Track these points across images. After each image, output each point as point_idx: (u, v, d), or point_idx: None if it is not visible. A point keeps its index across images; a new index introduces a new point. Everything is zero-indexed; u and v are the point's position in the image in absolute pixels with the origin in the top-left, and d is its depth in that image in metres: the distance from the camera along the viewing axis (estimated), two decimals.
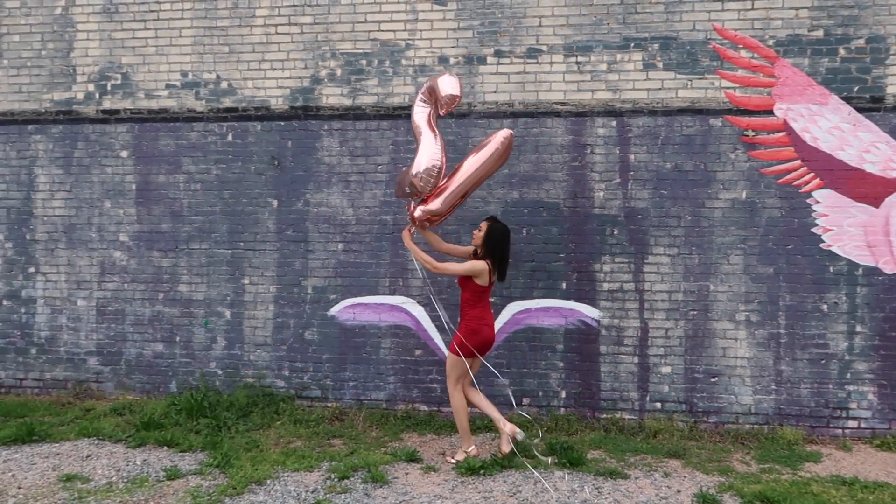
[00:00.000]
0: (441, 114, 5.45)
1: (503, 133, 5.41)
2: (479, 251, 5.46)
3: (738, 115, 6.22)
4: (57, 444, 5.71)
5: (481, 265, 5.34)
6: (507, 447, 5.38)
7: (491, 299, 6.21)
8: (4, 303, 7.21)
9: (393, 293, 6.61)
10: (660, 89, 6.31)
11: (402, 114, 6.58)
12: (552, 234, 6.45)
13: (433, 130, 5.36)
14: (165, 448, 5.65)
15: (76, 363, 7.10)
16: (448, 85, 5.32)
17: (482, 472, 5.21)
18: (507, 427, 5.38)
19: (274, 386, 6.77)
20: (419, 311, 6.56)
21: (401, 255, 6.57)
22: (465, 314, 5.39)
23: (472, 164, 5.36)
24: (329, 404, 6.64)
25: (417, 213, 5.36)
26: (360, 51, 6.67)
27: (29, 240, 7.18)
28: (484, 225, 5.47)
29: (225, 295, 6.90)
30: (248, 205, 6.86)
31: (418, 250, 5.47)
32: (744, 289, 6.25)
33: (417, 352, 6.60)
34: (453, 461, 5.41)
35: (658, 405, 6.32)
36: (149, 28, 6.96)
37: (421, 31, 6.58)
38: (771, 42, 6.19)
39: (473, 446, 5.50)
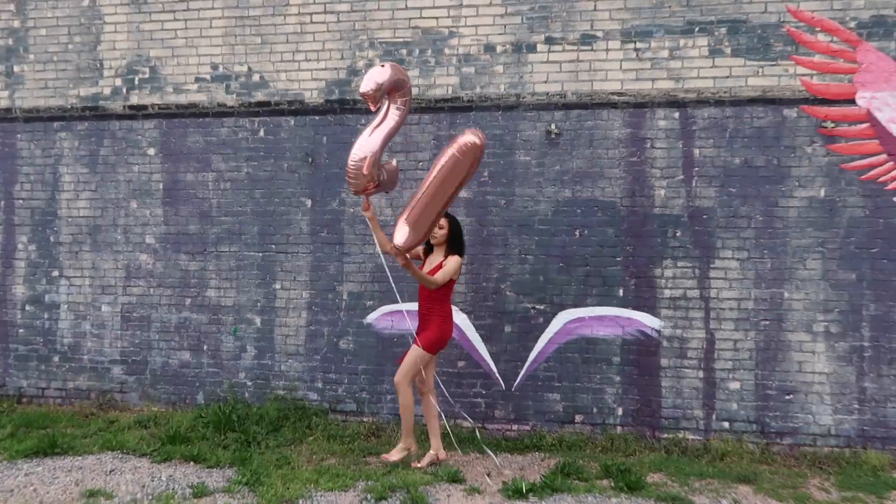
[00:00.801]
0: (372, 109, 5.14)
1: (463, 139, 4.99)
2: (436, 248, 5.58)
3: (815, 105, 6.04)
4: (80, 458, 5.76)
5: (459, 261, 5.52)
6: (424, 463, 5.57)
7: (540, 307, 6.34)
8: (27, 308, 7.32)
9: None
10: (727, 77, 6.17)
11: (446, 106, 6.55)
12: (608, 236, 6.33)
13: (377, 124, 5.13)
14: (192, 463, 5.66)
15: (100, 372, 7.16)
16: (363, 80, 5.08)
17: (531, 494, 5.09)
18: (440, 453, 5.64)
19: (306, 398, 6.74)
20: (462, 319, 6.48)
21: None
22: (434, 310, 5.50)
23: (429, 182, 5.07)
24: (365, 419, 6.58)
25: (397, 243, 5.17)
26: (401, 40, 6.64)
27: (53, 242, 7.28)
28: (445, 223, 5.50)
29: (255, 301, 6.90)
30: (281, 205, 6.86)
31: (418, 270, 5.41)
32: (822, 296, 6.05)
33: (460, 363, 6.52)
34: (493, 482, 5.30)
35: (725, 424, 6.15)
36: (178, 19, 7.04)
37: (465, 17, 6.53)
38: (852, 24, 5.99)
39: (415, 444, 5.65)
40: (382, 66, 5.10)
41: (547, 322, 6.36)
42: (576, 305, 6.34)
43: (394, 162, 5.53)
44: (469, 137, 4.98)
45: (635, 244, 6.30)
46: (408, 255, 5.26)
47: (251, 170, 6.92)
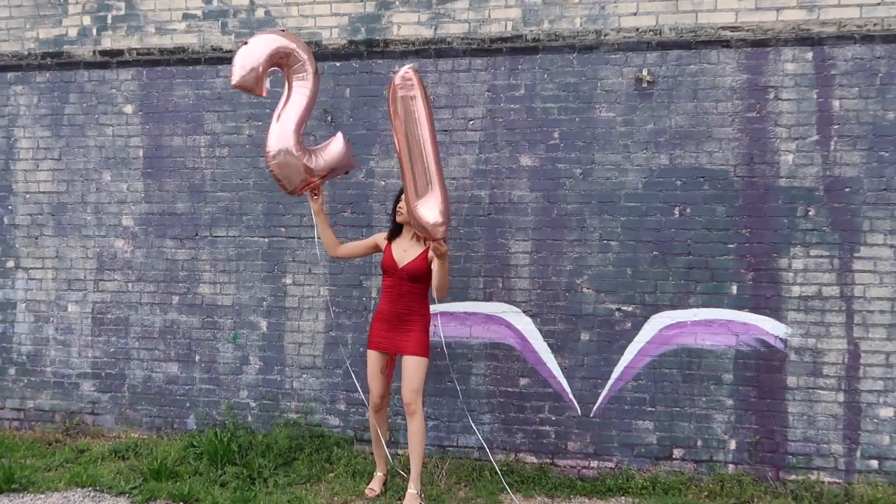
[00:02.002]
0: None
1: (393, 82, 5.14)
2: (406, 229, 5.72)
3: None
4: (42, 496, 5.84)
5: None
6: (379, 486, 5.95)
7: (628, 308, 6.37)
8: None
9: (489, 298, 6.46)
10: (878, 5, 6.00)
11: (504, 48, 6.45)
12: (717, 216, 6.22)
13: (283, 106, 5.55)
14: None
15: (66, 389, 7.20)
16: (231, 69, 5.48)
17: None
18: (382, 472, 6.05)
19: (325, 424, 6.75)
20: (525, 324, 6.42)
21: (500, 244, 6.44)
22: (418, 309, 5.72)
23: (400, 150, 5.23)
24: (399, 451, 6.53)
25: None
26: None
27: (7, 224, 7.33)
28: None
29: (260, 299, 6.89)
30: None
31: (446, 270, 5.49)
32: None
33: (523, 381, 6.45)
34: None
35: (873, 463, 6.04)
36: None
37: None
38: None
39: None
40: (245, 42, 5.45)
41: (636, 328, 6.32)
42: (674, 307, 6.28)
43: (339, 138, 5.66)
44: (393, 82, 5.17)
45: (753, 226, 6.20)
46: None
47: (254, 132, 6.88)
